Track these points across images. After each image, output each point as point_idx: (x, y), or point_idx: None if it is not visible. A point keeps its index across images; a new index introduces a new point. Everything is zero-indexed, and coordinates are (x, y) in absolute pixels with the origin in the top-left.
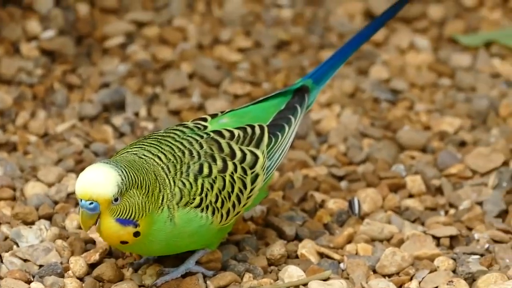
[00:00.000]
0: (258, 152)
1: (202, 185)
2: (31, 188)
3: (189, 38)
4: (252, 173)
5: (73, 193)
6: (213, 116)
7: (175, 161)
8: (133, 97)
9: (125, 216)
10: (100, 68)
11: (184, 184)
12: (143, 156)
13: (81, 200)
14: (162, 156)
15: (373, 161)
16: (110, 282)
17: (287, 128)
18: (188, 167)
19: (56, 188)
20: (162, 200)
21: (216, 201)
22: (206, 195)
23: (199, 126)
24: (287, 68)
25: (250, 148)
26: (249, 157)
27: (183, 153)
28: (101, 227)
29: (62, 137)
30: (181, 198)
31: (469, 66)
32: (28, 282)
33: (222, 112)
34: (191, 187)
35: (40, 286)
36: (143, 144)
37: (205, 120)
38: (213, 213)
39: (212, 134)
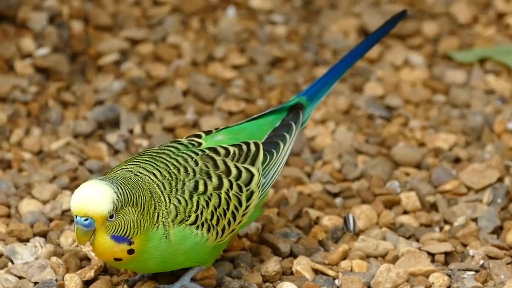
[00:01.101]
0: (253, 170)
1: (198, 202)
2: (25, 205)
3: (184, 55)
4: (247, 190)
5: (68, 210)
6: (207, 132)
7: (170, 178)
8: (128, 114)
9: (120, 233)
10: (94, 85)
11: (179, 201)
12: (138, 174)
13: (76, 216)
14: (157, 173)
15: (367, 178)
16: None
17: (282, 146)
18: (183, 184)
19: (51, 205)
20: (158, 218)
21: (211, 219)
22: (202, 212)
23: (193, 142)
24: (282, 85)
25: (246, 165)
26: (244, 174)
27: (178, 170)
28: (96, 243)
29: (56, 155)
30: (176, 215)
31: (463, 82)
32: None
33: (216, 129)
34: (186, 204)
35: None
36: (138, 161)
37: (199, 136)
38: (209, 230)
39: (207, 151)
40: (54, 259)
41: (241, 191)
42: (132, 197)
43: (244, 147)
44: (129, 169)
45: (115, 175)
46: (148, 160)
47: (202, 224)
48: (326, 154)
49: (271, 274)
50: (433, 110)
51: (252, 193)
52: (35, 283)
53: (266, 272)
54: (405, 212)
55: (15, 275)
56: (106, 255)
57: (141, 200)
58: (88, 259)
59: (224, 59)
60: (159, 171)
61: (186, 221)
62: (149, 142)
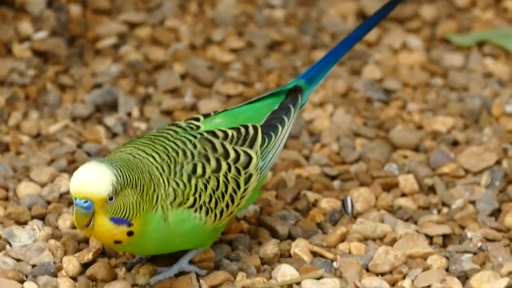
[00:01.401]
0: (251, 152)
1: (196, 185)
2: (23, 188)
3: (182, 39)
4: (245, 173)
5: (66, 193)
6: (206, 116)
7: (169, 160)
8: (126, 97)
9: (119, 215)
10: (92, 68)
11: (178, 184)
12: (137, 156)
13: (75, 199)
14: (156, 156)
15: (366, 161)
16: (103, 282)
17: (280, 128)
18: (182, 167)
19: (49, 188)
20: (157, 200)
21: (209, 201)
22: (200, 195)
23: (191, 126)
24: (280, 69)
25: (244, 148)
26: (242, 157)
27: (177, 153)
28: (95, 225)
29: (54, 138)
30: (174, 198)
31: (461, 65)
32: (21, 281)
33: (215, 112)
34: (185, 187)
35: (33, 285)
36: (137, 144)
37: (197, 119)
38: (207, 213)
39: (205, 134)
40: (52, 241)
41: (239, 174)
42: (132, 179)
43: (243, 130)
44: (128, 152)
45: (115, 157)
46: (146, 143)
47: (201, 207)
48: (324, 137)
49: (269, 257)
50: (431, 93)
51: (250, 176)
52: (33, 265)
53: (264, 255)
54: (403, 195)
55: (13, 258)
56: (105, 237)
57: (141, 182)
58: (87, 242)
59: (222, 42)
60: (157, 153)
61: (185, 204)
62: (147, 125)
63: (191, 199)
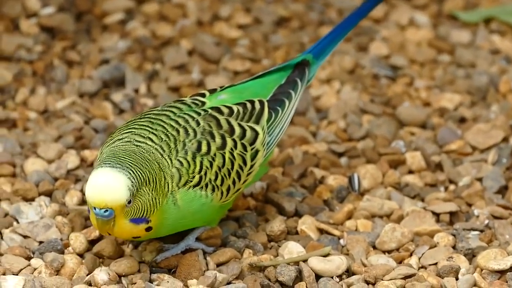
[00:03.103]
0: (258, 128)
1: (201, 163)
2: (31, 164)
3: (189, 15)
4: (252, 149)
5: (74, 169)
6: (212, 91)
7: (167, 140)
8: (133, 73)
9: (138, 215)
10: (99, 44)
11: (181, 163)
12: (137, 143)
13: (94, 208)
14: (154, 137)
15: (372, 137)
16: (110, 259)
17: (287, 103)
18: (184, 145)
19: (56, 164)
20: (168, 187)
21: (215, 179)
22: (205, 173)
23: (196, 102)
24: (287, 45)
25: (250, 124)
26: (249, 133)
27: (177, 131)
28: (115, 228)
29: (62, 114)
30: (180, 178)
31: (468, 42)
32: (28, 258)
33: (221, 87)
34: (189, 166)
35: (40, 262)
36: (134, 127)
37: (203, 95)
38: (213, 191)
39: (210, 111)
40: (59, 218)
41: (246, 150)
42: (145, 176)
43: (249, 105)
44: (127, 139)
45: (121, 154)
46: (144, 125)
47: (206, 185)
48: (331, 113)
49: (276, 234)
50: (438, 70)
51: (257, 152)
52: (40, 242)
53: (271, 232)
54: (410, 172)
55: (20, 234)
56: (125, 236)
57: (152, 176)
58: None
59: (229, 18)
60: (155, 134)
61: (190, 182)
62: (154, 101)
63: (197, 178)
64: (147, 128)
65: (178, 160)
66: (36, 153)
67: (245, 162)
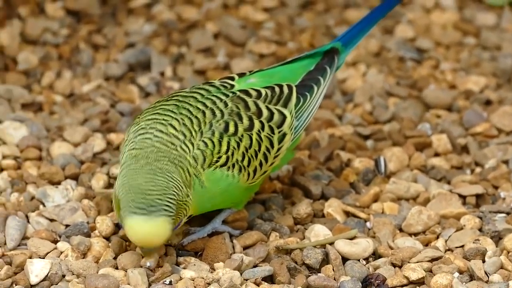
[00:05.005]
0: (285, 112)
1: (228, 143)
2: (57, 148)
3: None
4: (279, 132)
5: (100, 153)
6: (241, 75)
7: (190, 123)
8: (159, 57)
9: (178, 223)
10: (125, 28)
11: (206, 144)
12: (156, 140)
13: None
14: (175, 123)
15: (399, 120)
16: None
17: (316, 89)
18: (211, 125)
19: (82, 148)
20: (191, 173)
21: (242, 160)
22: (233, 154)
23: (225, 85)
24: (313, 28)
25: (278, 107)
26: (276, 116)
27: (204, 113)
28: None
29: (88, 97)
30: (204, 160)
31: (494, 25)
32: (55, 241)
33: (250, 71)
34: (214, 146)
35: (67, 245)
36: (158, 112)
37: (232, 79)
38: (240, 171)
39: (238, 93)
40: (85, 201)
41: (273, 133)
42: (177, 196)
43: (277, 89)
44: (147, 135)
45: (147, 187)
46: (169, 109)
47: (233, 165)
48: (357, 96)
49: (303, 217)
50: (464, 52)
51: (284, 135)
52: (67, 225)
53: (298, 215)
54: (436, 155)
55: (47, 218)
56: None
57: (179, 186)
58: None
59: (255, 1)
60: (177, 120)
61: (217, 162)
62: (180, 84)
63: (223, 158)
64: (170, 114)
65: (203, 141)
66: (62, 136)
67: (272, 145)
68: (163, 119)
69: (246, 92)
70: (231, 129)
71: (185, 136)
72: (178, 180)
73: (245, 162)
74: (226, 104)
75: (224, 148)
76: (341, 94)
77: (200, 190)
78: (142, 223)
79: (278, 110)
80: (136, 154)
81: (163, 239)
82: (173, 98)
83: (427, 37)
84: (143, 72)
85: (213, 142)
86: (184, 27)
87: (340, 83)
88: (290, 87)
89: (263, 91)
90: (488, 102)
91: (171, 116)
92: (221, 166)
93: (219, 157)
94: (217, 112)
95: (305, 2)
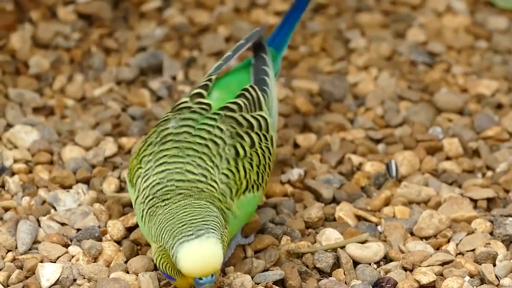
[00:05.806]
0: (264, 114)
1: (244, 167)
2: (68, 152)
3: (226, 2)
4: (270, 137)
5: (111, 156)
6: (205, 88)
7: (203, 163)
8: (170, 60)
9: (226, 254)
10: (137, 31)
11: (227, 176)
12: (184, 191)
13: (200, 279)
14: (191, 168)
15: (410, 124)
16: (148, 246)
17: (268, 80)
18: (220, 156)
19: (94, 152)
20: (227, 214)
21: (257, 178)
22: (250, 176)
23: (203, 107)
24: (324, 31)
25: (258, 113)
26: (262, 122)
27: (207, 146)
28: None
29: (99, 101)
30: (231, 191)
31: (505, 28)
32: (66, 245)
33: (205, 82)
34: (234, 175)
35: (78, 249)
36: (166, 161)
37: (202, 96)
38: (258, 189)
39: (223, 113)
40: (96, 205)
41: (267, 140)
42: (218, 225)
43: (248, 95)
44: (169, 186)
45: (194, 215)
46: (174, 155)
47: (253, 187)
48: (368, 100)
49: (314, 220)
50: (475, 56)
51: (272, 137)
52: (78, 229)
53: (309, 218)
54: (448, 158)
55: (58, 222)
56: None
57: (218, 217)
58: (131, 206)
59: (266, 5)
60: (190, 164)
61: (240, 190)
62: (191, 88)
63: (244, 183)
64: (180, 160)
65: (223, 173)
66: (73, 140)
67: (270, 151)
68: (176, 168)
69: (228, 108)
70: (241, 151)
71: (205, 177)
72: (216, 212)
73: (260, 180)
74: (221, 129)
75: (242, 173)
76: (352, 98)
77: (233, 220)
78: (196, 247)
79: (260, 115)
80: (164, 205)
81: (219, 259)
82: (167, 140)
83: (439, 41)
84: (154, 76)
85: (232, 171)
86: (195, 31)
87: (351, 87)
88: (253, 88)
89: (240, 102)
90: (499, 106)
91: (181, 161)
92: (244, 191)
93: (241, 183)
94: (219, 141)
95: (317, 6)
